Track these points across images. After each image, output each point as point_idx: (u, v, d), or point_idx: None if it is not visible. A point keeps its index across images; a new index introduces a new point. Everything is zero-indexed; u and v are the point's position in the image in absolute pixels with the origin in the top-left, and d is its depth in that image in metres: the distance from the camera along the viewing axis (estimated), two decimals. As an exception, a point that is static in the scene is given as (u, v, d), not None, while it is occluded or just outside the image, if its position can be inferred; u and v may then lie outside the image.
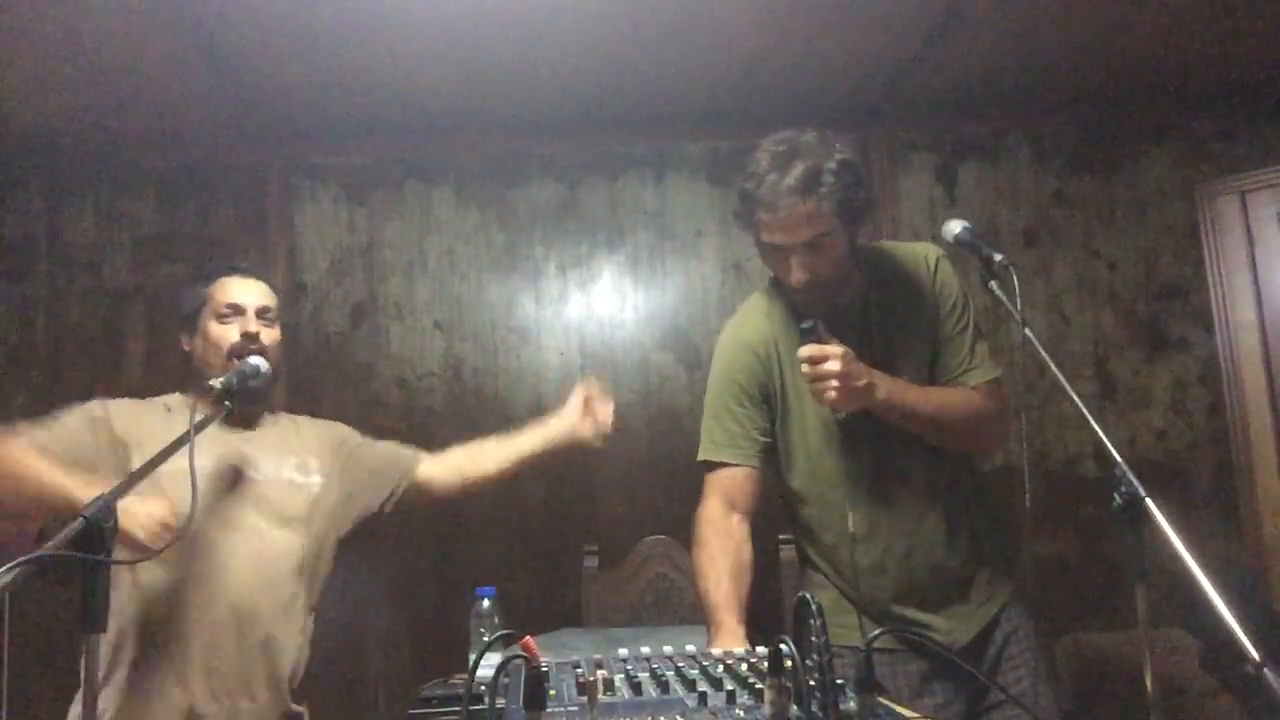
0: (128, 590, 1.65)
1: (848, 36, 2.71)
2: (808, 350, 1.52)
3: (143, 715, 1.61)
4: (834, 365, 1.49)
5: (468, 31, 2.57)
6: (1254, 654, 0.95)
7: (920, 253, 1.75)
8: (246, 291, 1.85)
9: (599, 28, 2.59)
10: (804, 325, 1.57)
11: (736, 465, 1.71)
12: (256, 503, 1.77)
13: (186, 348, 1.85)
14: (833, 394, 1.50)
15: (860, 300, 1.71)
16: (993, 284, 1.52)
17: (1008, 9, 2.58)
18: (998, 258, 1.51)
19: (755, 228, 1.61)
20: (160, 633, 1.64)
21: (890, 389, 1.58)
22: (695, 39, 2.68)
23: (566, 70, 2.85)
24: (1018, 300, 1.43)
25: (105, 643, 1.60)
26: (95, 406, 1.73)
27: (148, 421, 1.73)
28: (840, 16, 2.59)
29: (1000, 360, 3.13)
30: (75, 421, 1.69)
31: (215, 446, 1.74)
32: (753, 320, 1.77)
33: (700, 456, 1.76)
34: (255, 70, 2.76)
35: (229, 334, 1.79)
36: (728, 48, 2.75)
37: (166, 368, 1.79)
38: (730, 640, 1.51)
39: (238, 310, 1.82)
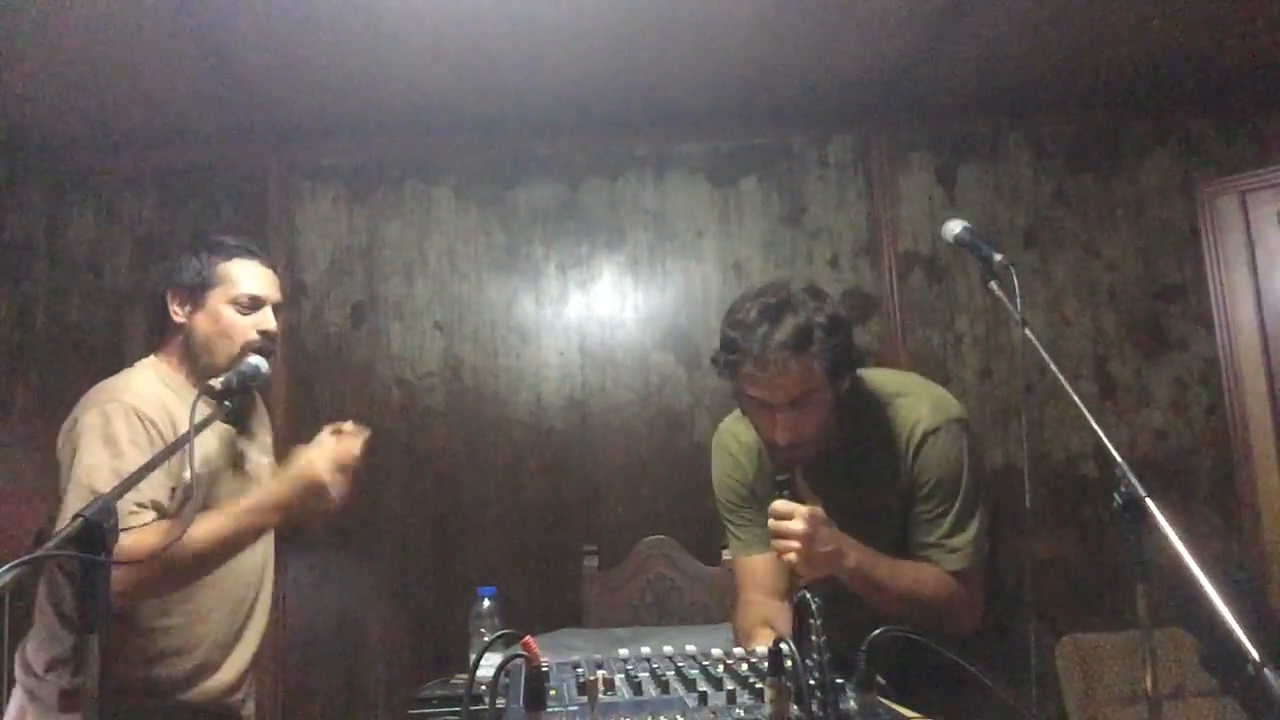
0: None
1: (848, 36, 2.71)
2: (777, 505, 1.48)
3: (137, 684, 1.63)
4: (798, 525, 1.44)
5: (468, 31, 2.57)
6: (1254, 654, 0.95)
7: (907, 423, 1.61)
8: (268, 284, 1.77)
9: (599, 28, 2.59)
10: (779, 478, 1.53)
11: (759, 553, 1.72)
12: (253, 484, 1.80)
13: (180, 319, 1.72)
14: (794, 556, 1.45)
15: (840, 450, 1.63)
16: (993, 284, 1.52)
17: (1007, 9, 2.58)
18: (998, 258, 1.51)
19: (738, 379, 1.55)
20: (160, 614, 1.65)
21: (860, 559, 1.51)
22: (695, 39, 2.68)
23: (566, 70, 2.85)
24: (1018, 300, 1.43)
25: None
26: (125, 417, 1.60)
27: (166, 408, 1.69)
28: (840, 16, 2.59)
29: (1000, 360, 3.18)
30: (140, 440, 1.59)
31: (217, 440, 1.74)
32: (740, 426, 1.77)
33: (727, 556, 1.80)
34: (255, 70, 2.76)
35: (247, 328, 1.72)
36: (727, 48, 2.75)
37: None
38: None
39: (258, 304, 1.74)
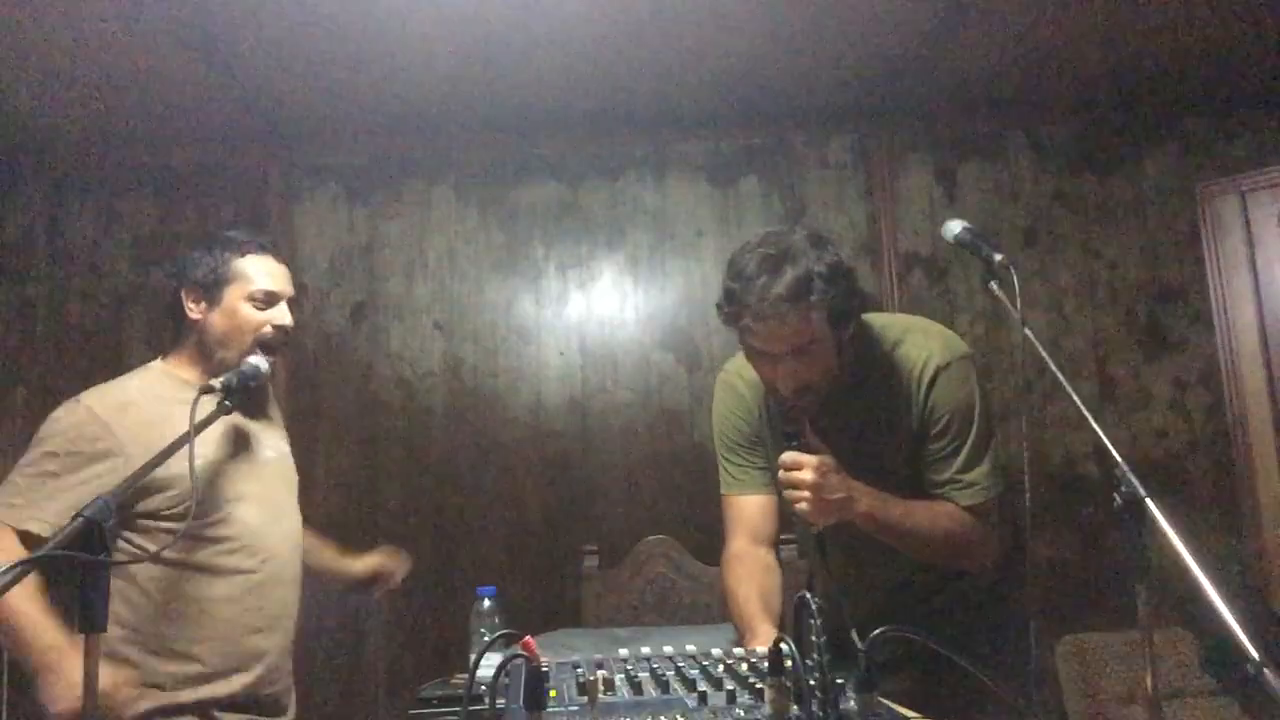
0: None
1: (848, 36, 2.71)
2: (785, 457, 1.47)
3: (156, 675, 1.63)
4: (807, 475, 1.44)
5: (468, 31, 2.57)
6: (1254, 654, 0.95)
7: (918, 360, 1.61)
8: (283, 279, 1.78)
9: (599, 28, 2.59)
10: (786, 429, 1.52)
11: (753, 494, 1.74)
12: (278, 478, 1.84)
13: (195, 316, 1.72)
14: (805, 505, 1.45)
15: (848, 393, 1.62)
16: (993, 284, 1.52)
17: (1008, 9, 2.58)
18: (997, 257, 1.50)
19: (740, 330, 1.55)
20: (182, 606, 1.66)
21: (871, 504, 1.51)
22: (695, 39, 2.68)
23: (566, 70, 2.85)
24: (1017, 300, 1.43)
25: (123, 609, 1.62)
26: (92, 430, 1.60)
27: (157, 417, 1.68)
28: (840, 16, 2.59)
29: (1000, 360, 3.18)
30: (96, 470, 1.58)
31: (222, 428, 1.73)
32: (746, 366, 1.73)
33: (722, 492, 1.79)
34: (255, 70, 2.76)
35: (262, 323, 1.73)
36: (727, 48, 2.75)
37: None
38: (766, 641, 1.50)
39: (273, 299, 1.75)
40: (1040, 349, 1.37)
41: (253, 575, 1.72)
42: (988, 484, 1.60)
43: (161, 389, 1.70)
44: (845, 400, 1.62)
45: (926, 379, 1.60)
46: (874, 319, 1.69)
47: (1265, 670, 0.93)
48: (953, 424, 1.60)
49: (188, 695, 1.64)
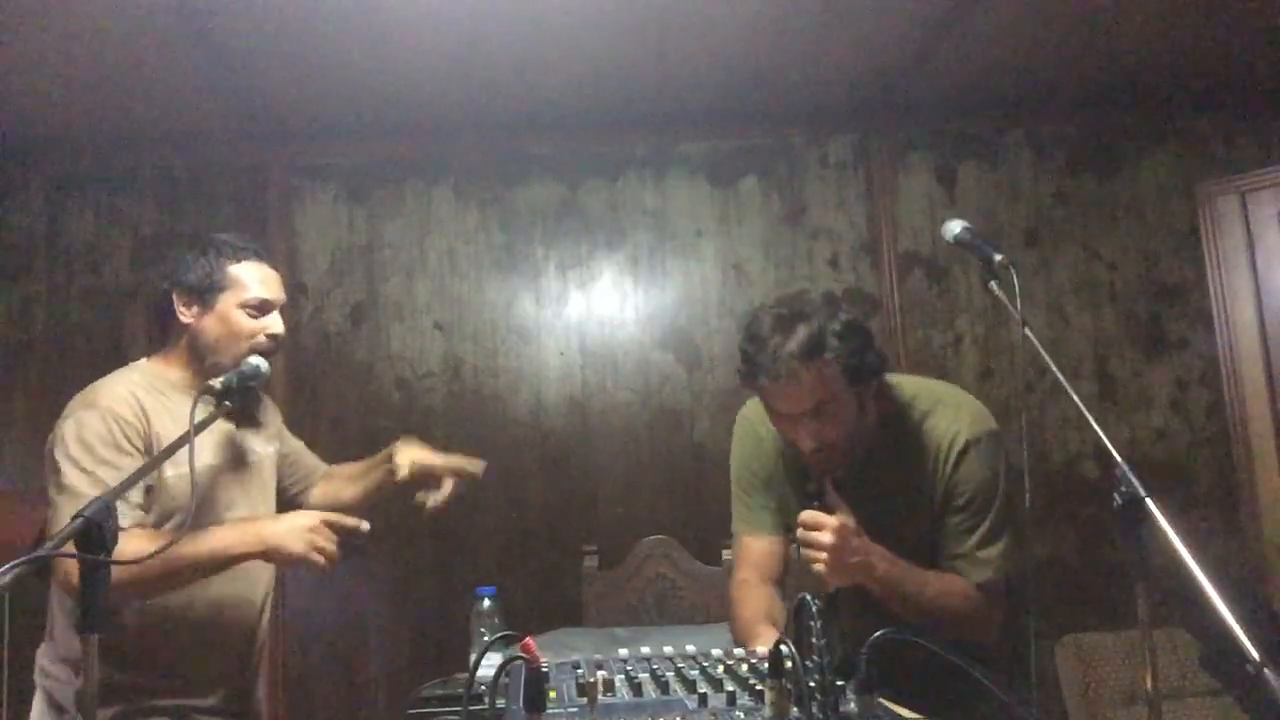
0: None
1: (848, 36, 2.71)
2: (805, 516, 1.48)
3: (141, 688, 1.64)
4: (826, 537, 1.44)
5: (468, 31, 2.57)
6: (1254, 654, 0.95)
7: (947, 434, 1.62)
8: (275, 287, 1.78)
9: (599, 27, 2.59)
10: (809, 488, 1.55)
11: (764, 535, 1.76)
12: (260, 484, 1.83)
13: (187, 319, 1.72)
14: (821, 566, 1.45)
15: (874, 457, 1.64)
16: (993, 284, 1.52)
17: (1008, 9, 2.58)
18: (997, 258, 1.50)
19: (758, 391, 1.57)
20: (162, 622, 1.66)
21: (889, 571, 1.51)
22: (695, 39, 2.68)
23: (566, 70, 2.85)
24: (1017, 300, 1.43)
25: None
26: (108, 430, 1.60)
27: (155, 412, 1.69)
28: (840, 16, 2.59)
29: (1000, 360, 3.17)
30: (120, 442, 1.59)
31: (217, 435, 1.74)
32: (753, 426, 1.78)
33: (733, 528, 1.82)
34: (255, 70, 2.76)
35: (256, 330, 1.74)
36: (727, 48, 2.75)
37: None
38: (767, 643, 1.51)
39: (266, 308, 1.75)
40: (1040, 349, 1.37)
41: (234, 582, 1.71)
42: (1000, 563, 1.61)
43: (152, 389, 1.70)
44: (871, 464, 1.63)
45: (954, 453, 1.60)
46: (904, 385, 1.69)
47: (1265, 670, 0.93)
48: (975, 500, 1.60)
49: (166, 701, 1.65)
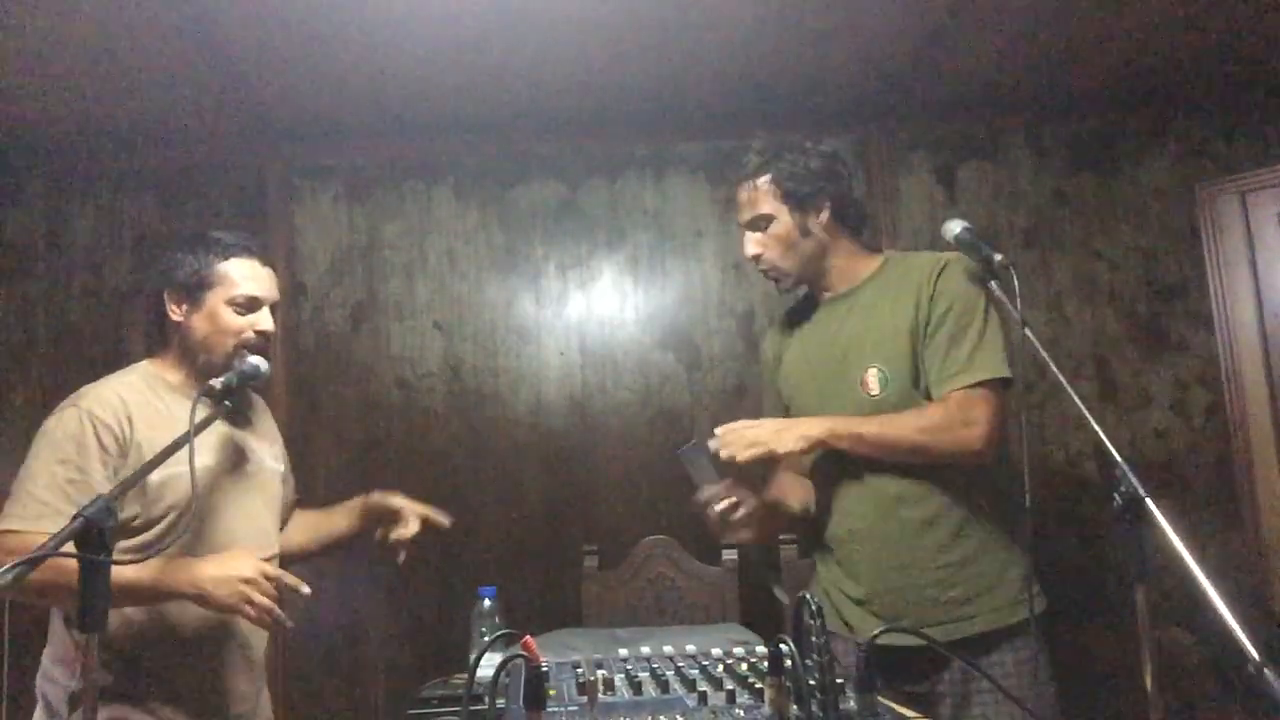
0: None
1: (848, 37, 2.71)
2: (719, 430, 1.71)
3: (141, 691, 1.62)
4: (748, 429, 1.70)
5: (468, 31, 2.57)
6: (1254, 654, 0.95)
7: (933, 260, 1.72)
8: (265, 284, 1.76)
9: (599, 27, 2.59)
10: (682, 449, 1.77)
11: None
12: (259, 490, 1.80)
13: (178, 318, 1.71)
14: (758, 449, 1.64)
15: (867, 285, 1.79)
16: (993, 284, 1.52)
17: (1008, 9, 2.58)
18: (997, 258, 1.51)
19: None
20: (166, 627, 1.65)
21: (833, 424, 1.64)
22: (695, 39, 2.68)
23: (566, 70, 2.85)
24: (1017, 300, 1.43)
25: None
26: (81, 430, 1.58)
27: (144, 417, 1.67)
28: (840, 17, 2.59)
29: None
30: (96, 466, 1.58)
31: (215, 436, 1.73)
32: (776, 323, 2.04)
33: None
34: (255, 70, 2.76)
35: (243, 327, 1.71)
36: (727, 48, 2.75)
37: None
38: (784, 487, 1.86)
39: (255, 305, 1.73)
40: (1040, 349, 1.37)
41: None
42: (993, 363, 1.64)
43: (149, 390, 1.69)
44: (866, 291, 1.78)
45: (937, 271, 1.69)
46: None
47: (1265, 670, 0.93)
48: (953, 307, 1.65)
49: (167, 712, 1.63)
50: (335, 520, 2.00)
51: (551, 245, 3.28)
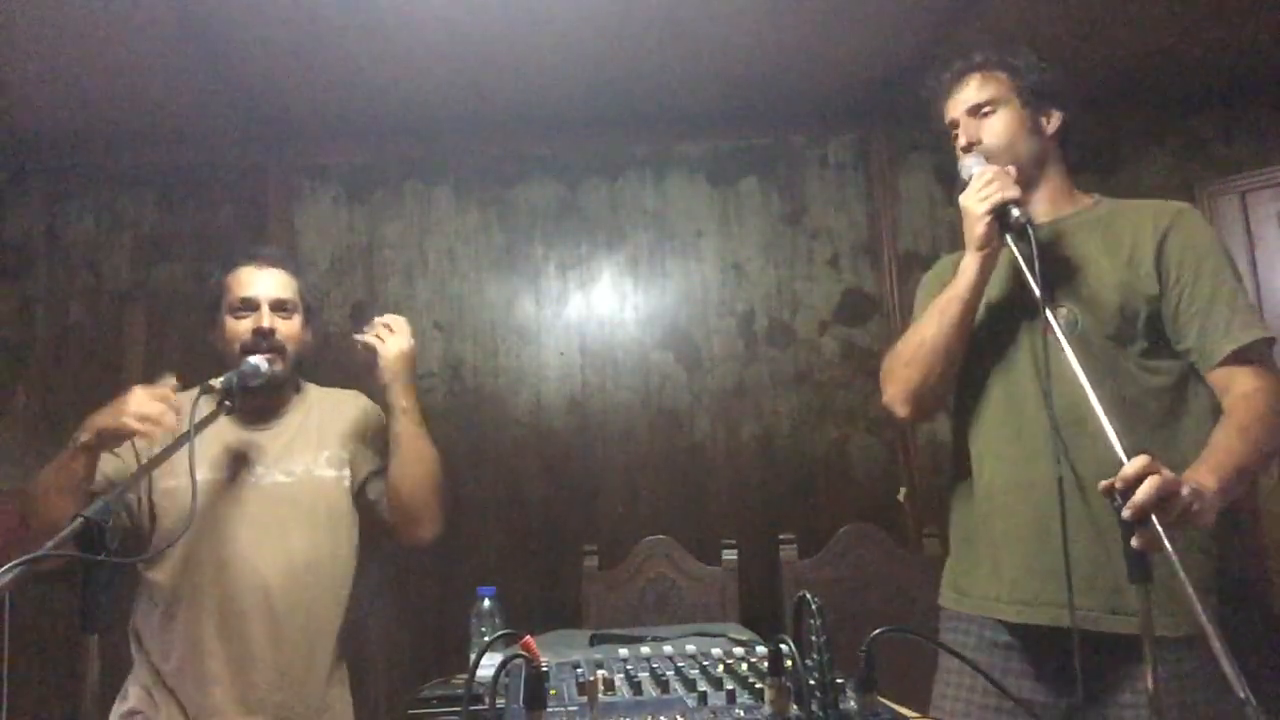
0: (141, 588, 1.70)
1: (848, 36, 2.71)
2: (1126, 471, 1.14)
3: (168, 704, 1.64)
4: (1146, 491, 1.12)
5: (468, 31, 2.57)
6: (1241, 691, 0.94)
7: (1163, 206, 1.50)
8: (261, 283, 1.77)
9: (599, 28, 2.59)
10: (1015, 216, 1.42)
11: None
12: (290, 503, 1.75)
13: (213, 339, 1.80)
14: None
15: (1083, 216, 1.55)
16: (1008, 237, 1.43)
17: (1007, 9, 2.58)
18: (1015, 213, 1.42)
19: (934, 102, 1.66)
20: (177, 627, 1.66)
21: (1216, 484, 1.24)
22: (695, 39, 2.68)
23: (566, 70, 2.85)
24: (1035, 264, 1.34)
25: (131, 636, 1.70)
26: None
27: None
28: (840, 16, 2.59)
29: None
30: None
31: (220, 444, 1.73)
32: (945, 263, 1.85)
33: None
34: (255, 70, 2.76)
35: (242, 330, 1.73)
36: (727, 48, 2.75)
37: (166, 368, 1.79)
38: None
39: (250, 305, 1.75)
40: (1057, 327, 1.29)
41: (233, 603, 1.67)
42: (1258, 319, 1.42)
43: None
44: (1083, 226, 1.54)
45: (1169, 216, 1.48)
46: None
47: (1248, 708, 0.92)
48: (1205, 261, 1.44)
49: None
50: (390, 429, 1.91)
51: (551, 245, 3.28)
